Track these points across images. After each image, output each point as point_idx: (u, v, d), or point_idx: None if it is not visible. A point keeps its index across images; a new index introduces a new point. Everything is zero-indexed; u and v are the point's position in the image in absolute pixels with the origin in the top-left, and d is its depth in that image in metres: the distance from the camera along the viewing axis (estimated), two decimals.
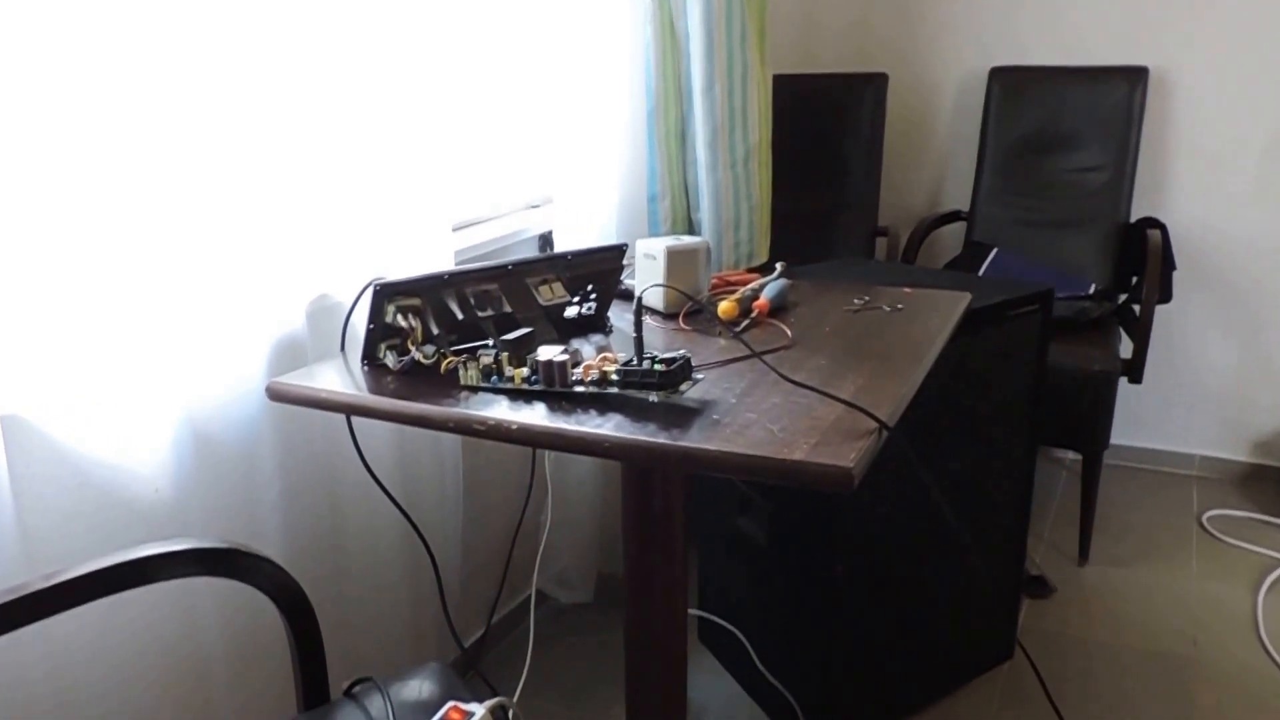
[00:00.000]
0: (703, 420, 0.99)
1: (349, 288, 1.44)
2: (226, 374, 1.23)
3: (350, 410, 1.13)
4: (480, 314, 1.20)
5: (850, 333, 1.28)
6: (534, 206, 2.08)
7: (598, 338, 1.30)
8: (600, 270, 1.31)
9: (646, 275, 1.39)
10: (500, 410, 1.05)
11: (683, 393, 1.02)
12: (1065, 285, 2.34)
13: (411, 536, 1.55)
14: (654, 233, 2.07)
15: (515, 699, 1.82)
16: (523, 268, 1.24)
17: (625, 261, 1.35)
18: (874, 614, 1.67)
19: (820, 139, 2.56)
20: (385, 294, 1.16)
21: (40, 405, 1.05)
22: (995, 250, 2.49)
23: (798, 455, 0.90)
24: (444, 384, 1.13)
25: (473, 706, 0.94)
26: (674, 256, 1.37)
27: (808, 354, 1.20)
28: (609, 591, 2.15)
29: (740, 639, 1.80)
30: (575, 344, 1.28)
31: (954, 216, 2.62)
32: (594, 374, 1.06)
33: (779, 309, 1.39)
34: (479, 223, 1.91)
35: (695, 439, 0.95)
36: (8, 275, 1.01)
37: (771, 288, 1.41)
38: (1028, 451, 1.82)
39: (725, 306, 1.35)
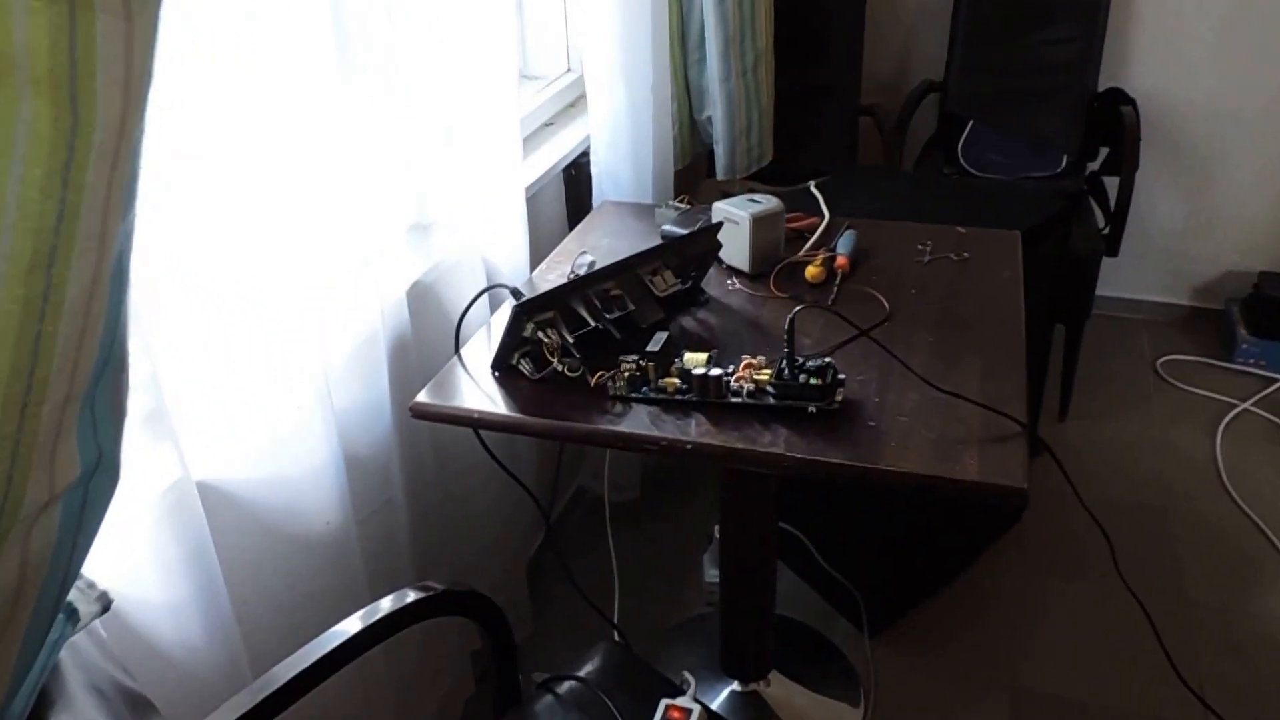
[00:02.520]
0: (862, 430, 1.11)
1: (440, 265, 1.47)
2: (359, 387, 1.27)
3: (511, 429, 1.20)
4: (607, 315, 1.26)
5: (935, 292, 1.40)
6: (548, 124, 2.07)
7: (698, 311, 1.38)
8: (701, 252, 1.37)
9: (729, 238, 1.46)
10: (658, 422, 1.15)
11: (838, 400, 1.13)
12: (1038, 163, 2.48)
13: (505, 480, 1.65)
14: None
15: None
16: (637, 262, 1.29)
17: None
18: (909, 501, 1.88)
19: (799, 17, 2.56)
20: (524, 312, 1.20)
21: (223, 465, 1.09)
22: (971, 124, 2.59)
23: (971, 474, 1.03)
24: (587, 391, 1.20)
25: (687, 702, 1.09)
26: (758, 223, 1.44)
27: (911, 327, 1.31)
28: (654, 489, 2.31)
29: (801, 539, 2.00)
30: (678, 319, 1.36)
31: (928, 87, 2.69)
32: (747, 384, 1.15)
33: (855, 263, 1.49)
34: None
35: (868, 456, 1.07)
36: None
37: (845, 242, 1.50)
38: (1044, 329, 2.00)
39: (812, 271, 1.44)
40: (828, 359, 1.15)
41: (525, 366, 1.24)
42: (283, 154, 1.06)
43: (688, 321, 1.36)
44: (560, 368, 1.21)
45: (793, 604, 2.00)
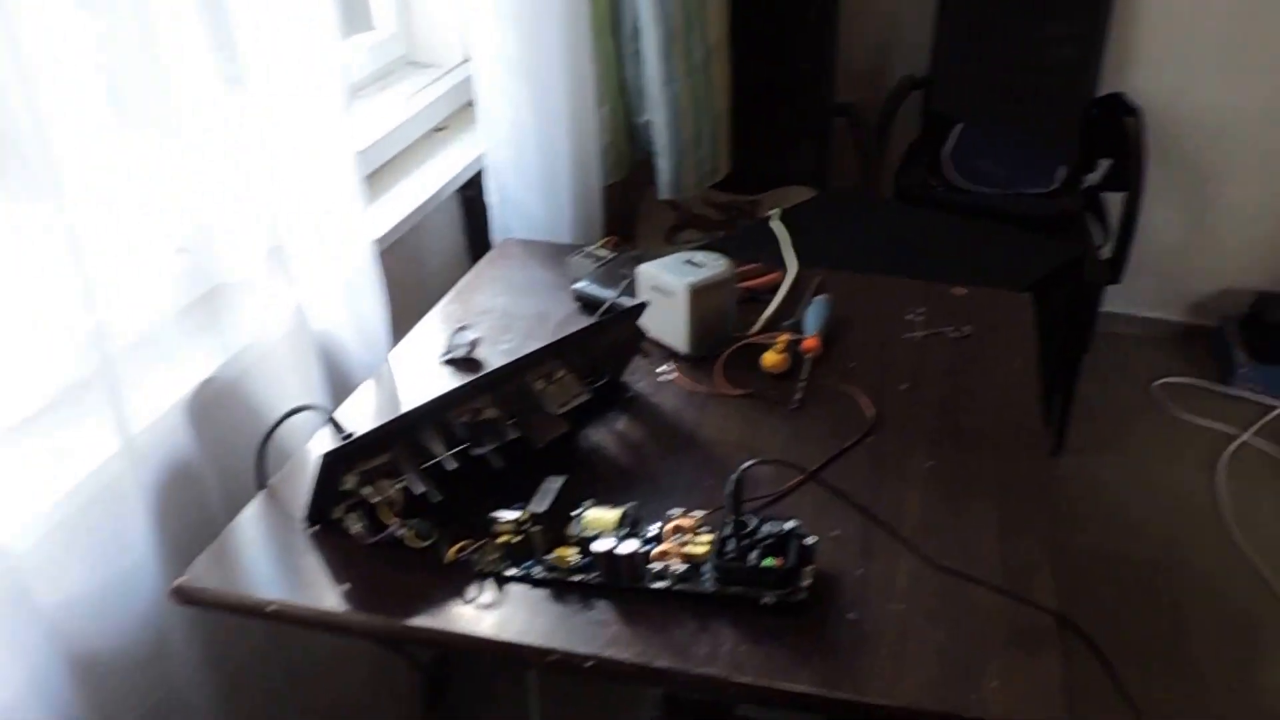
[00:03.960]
0: (839, 630, 0.77)
1: (247, 354, 1.08)
2: (91, 560, 0.90)
3: (322, 626, 0.84)
4: (477, 449, 0.91)
5: (931, 388, 1.07)
6: (438, 129, 1.69)
7: (618, 418, 1.04)
8: (619, 344, 1.02)
9: (661, 313, 1.11)
10: (546, 617, 0.80)
11: (804, 587, 0.79)
12: (1033, 176, 2.17)
13: None
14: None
15: None
16: (520, 367, 0.94)
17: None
18: None
19: (761, 1, 2.21)
20: (340, 463, 0.84)
21: None
22: (959, 126, 2.26)
23: (994, 711, 0.70)
24: (445, 565, 0.85)
25: None
26: (699, 295, 1.09)
27: (901, 445, 0.98)
28: None
29: None
30: (589, 432, 1.01)
31: (911, 84, 2.35)
32: (675, 564, 0.81)
33: (829, 340, 1.15)
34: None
35: (850, 676, 0.73)
36: None
37: (815, 315, 1.16)
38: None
39: (772, 359, 1.09)
40: (790, 523, 0.81)
41: (354, 525, 0.88)
42: None
43: (602, 436, 1.01)
44: (402, 533, 0.86)
45: None
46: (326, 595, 0.84)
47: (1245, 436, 2.30)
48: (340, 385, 1.18)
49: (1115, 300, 2.59)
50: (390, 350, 1.20)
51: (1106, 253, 2.13)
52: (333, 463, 0.84)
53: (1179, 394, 2.49)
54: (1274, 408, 2.39)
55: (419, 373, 1.13)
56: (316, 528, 0.90)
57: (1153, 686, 1.68)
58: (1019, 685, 0.73)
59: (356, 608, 0.83)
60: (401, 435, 0.88)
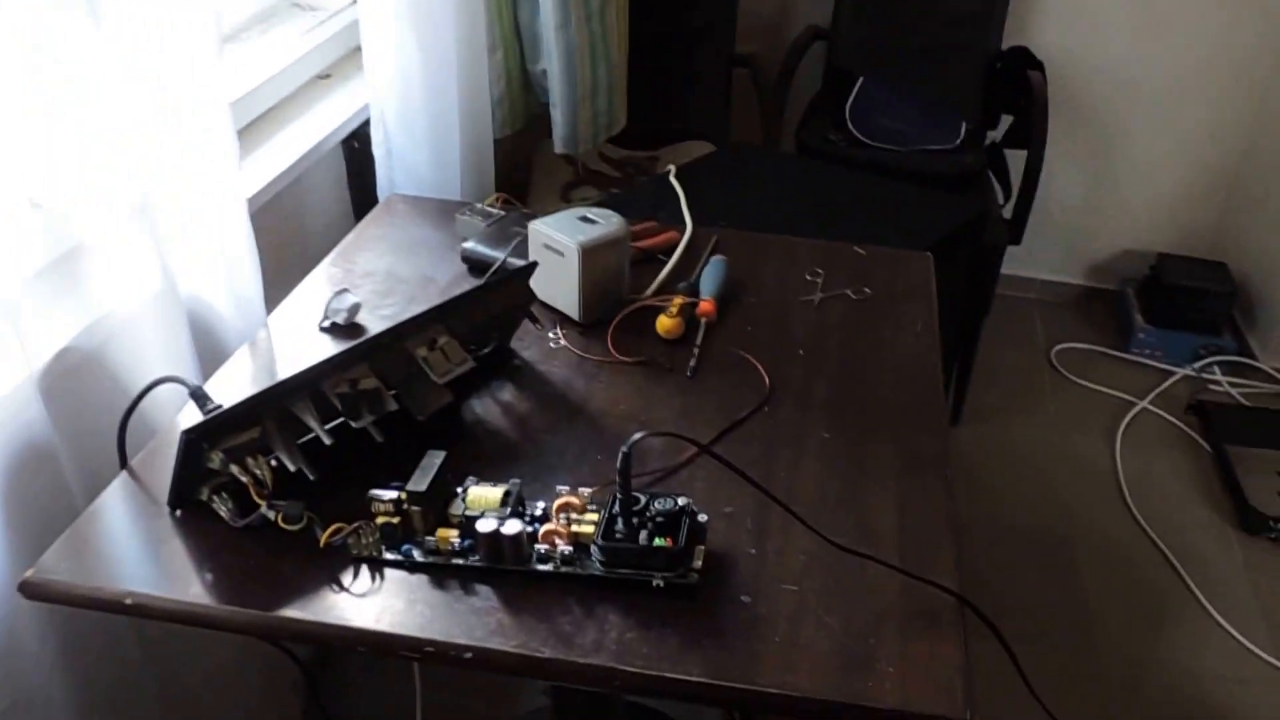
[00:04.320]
0: (731, 613, 0.75)
1: (108, 321, 1.00)
2: None
3: (185, 620, 0.78)
4: (355, 422, 0.85)
5: (829, 354, 1.04)
6: (323, 76, 1.59)
7: (504, 387, 0.99)
8: (508, 308, 0.97)
9: (552, 274, 1.06)
10: (426, 603, 0.76)
11: (696, 569, 0.76)
12: (934, 133, 2.16)
13: None
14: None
15: None
16: (401, 334, 0.88)
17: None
18: None
19: None
20: (203, 439, 0.78)
21: None
22: (861, 81, 2.23)
23: (890, 699, 0.68)
24: (319, 549, 0.80)
25: None
26: (590, 254, 1.04)
27: (799, 414, 0.95)
28: None
29: None
30: (475, 402, 0.96)
31: (814, 34, 2.31)
32: (562, 545, 0.77)
33: (725, 303, 1.11)
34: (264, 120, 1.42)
35: (741, 665, 0.70)
36: None
37: (712, 275, 1.13)
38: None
39: (666, 323, 1.05)
40: (682, 499, 0.78)
41: (221, 507, 0.82)
42: None
43: (487, 408, 0.96)
44: (272, 515, 0.80)
45: None
46: (191, 585, 0.78)
47: (1144, 404, 2.34)
48: (212, 355, 1.10)
49: (1014, 263, 2.61)
50: (266, 317, 1.13)
51: (1007, 213, 2.14)
52: (194, 439, 0.78)
53: (1078, 360, 2.52)
54: (1171, 374, 2.44)
55: (296, 341, 1.06)
56: (181, 511, 0.83)
57: (1049, 662, 1.70)
58: (917, 671, 0.70)
59: (222, 599, 0.77)
60: (271, 408, 0.82)
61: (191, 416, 0.89)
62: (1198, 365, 2.44)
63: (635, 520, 0.76)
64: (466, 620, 0.74)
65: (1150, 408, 2.33)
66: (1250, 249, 2.50)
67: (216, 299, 1.12)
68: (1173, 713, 1.63)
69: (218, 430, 0.79)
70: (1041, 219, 2.60)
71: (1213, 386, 2.40)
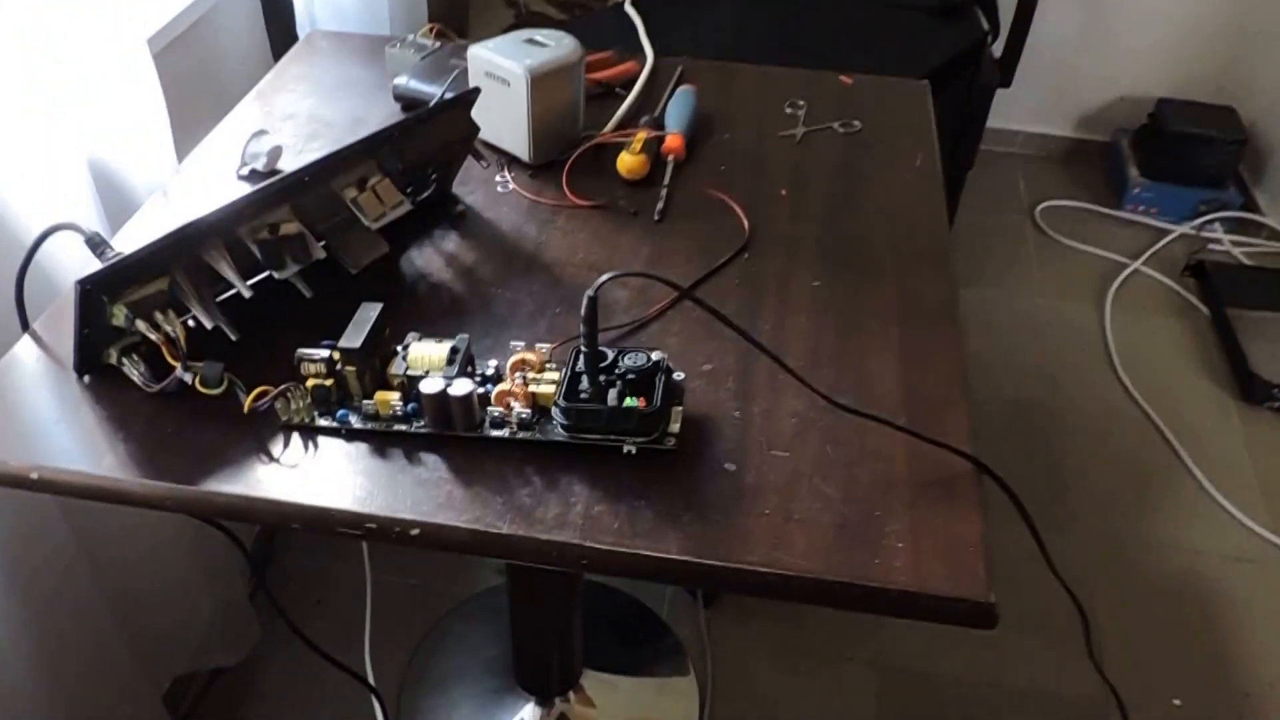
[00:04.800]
0: (714, 481, 0.67)
1: None
2: None
3: (97, 496, 0.70)
4: (278, 272, 0.75)
5: (815, 192, 0.95)
6: None
7: (446, 235, 0.89)
8: (448, 142, 0.86)
9: (497, 106, 0.94)
10: (365, 472, 0.68)
11: (673, 433, 0.68)
12: None
13: None
14: None
15: None
16: (324, 170, 0.77)
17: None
18: None
19: None
20: (101, 292, 0.68)
21: None
22: None
23: (901, 579, 0.61)
24: (243, 414, 0.71)
25: None
26: (540, 82, 0.93)
27: (783, 261, 0.87)
28: None
29: None
30: (413, 253, 0.87)
31: None
32: (518, 408, 0.69)
33: (694, 141, 1.01)
34: None
35: (726, 541, 0.63)
36: None
37: (679, 109, 1.02)
38: None
39: (629, 162, 0.95)
40: (655, 354, 0.69)
41: (134, 369, 0.73)
42: None
43: (428, 259, 0.87)
44: (189, 378, 0.71)
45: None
46: (103, 458, 0.70)
47: (1136, 265, 2.26)
48: (119, 211, 1.00)
49: (999, 113, 2.49)
50: (178, 165, 1.01)
51: (996, 52, 2.02)
52: (91, 291, 0.68)
53: (1065, 219, 2.41)
54: (1167, 232, 2.34)
55: (212, 190, 0.95)
56: (89, 377, 0.74)
57: (1028, 537, 1.65)
58: (931, 547, 0.63)
59: (137, 472, 0.69)
60: (181, 257, 0.72)
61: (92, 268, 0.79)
62: (1197, 223, 2.35)
63: (602, 379, 0.68)
64: (412, 493, 0.66)
65: (1144, 269, 2.25)
66: (1261, 92, 2.37)
67: (120, 149, 1.00)
68: (1166, 593, 1.60)
69: (118, 280, 0.69)
70: (1029, 62, 2.46)
71: (1213, 246, 2.31)
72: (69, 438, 0.72)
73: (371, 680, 1.35)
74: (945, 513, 0.65)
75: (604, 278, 0.64)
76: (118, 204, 1.02)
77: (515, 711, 1.35)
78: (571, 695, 1.36)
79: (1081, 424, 1.89)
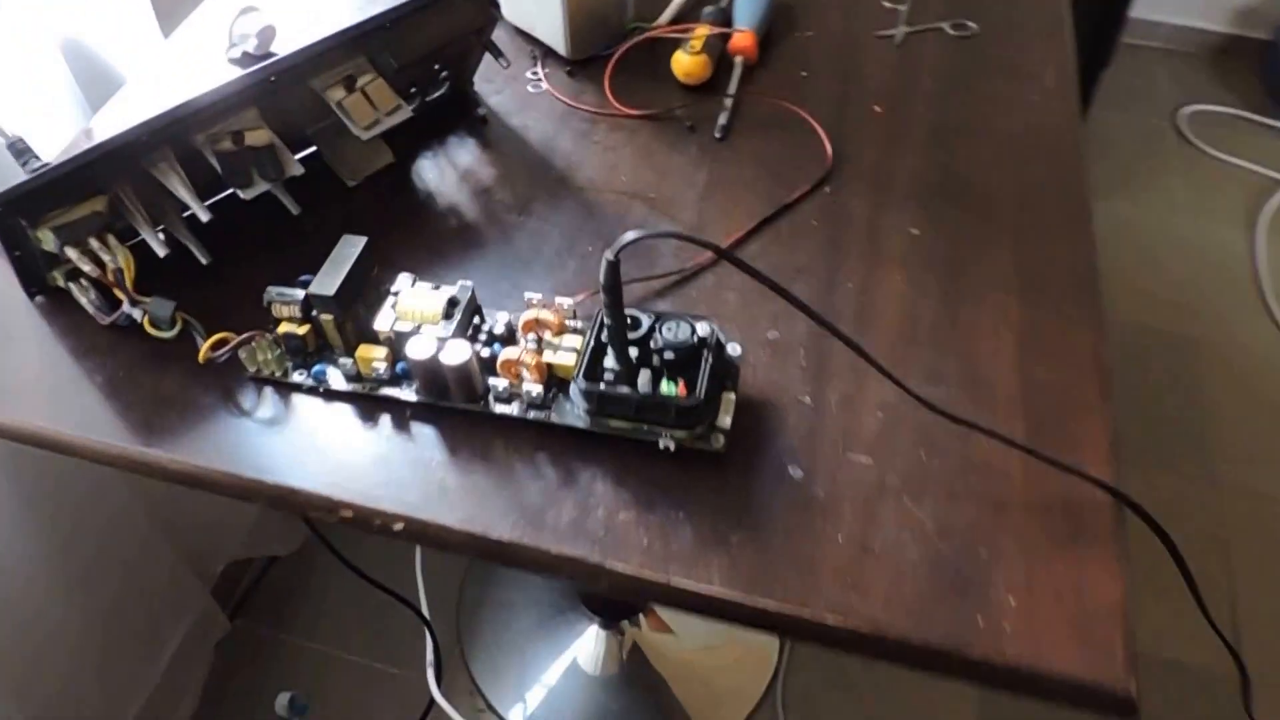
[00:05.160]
0: (776, 493, 0.53)
1: None
2: None
3: (40, 445, 0.59)
4: (243, 190, 0.62)
5: (918, 114, 0.78)
6: None
7: (462, 146, 0.74)
8: (459, 28, 0.70)
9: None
10: (341, 446, 0.56)
11: (722, 429, 0.55)
12: None
13: None
14: None
15: None
16: (298, 67, 0.63)
17: None
18: None
19: None
20: (17, 214, 0.55)
21: None
22: None
23: (1011, 649, 0.47)
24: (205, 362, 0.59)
25: None
26: None
27: (873, 197, 0.71)
28: None
29: None
30: (426, 162, 0.73)
31: None
32: (529, 381, 0.55)
33: (768, 42, 0.84)
34: None
35: (789, 578, 0.50)
36: None
37: (749, 1, 0.84)
38: None
39: (686, 63, 0.79)
40: (703, 326, 0.55)
41: (83, 294, 0.61)
42: None
43: (441, 172, 0.73)
44: (137, 315, 0.59)
45: None
46: (40, 407, 0.59)
47: None
48: (102, 99, 0.86)
49: (1139, 3, 2.24)
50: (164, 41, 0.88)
51: None
52: (11, 208, 0.56)
53: (1213, 126, 2.15)
54: None
55: (198, 77, 0.82)
56: (41, 297, 0.64)
57: (1164, 489, 1.50)
58: (1051, 606, 0.48)
59: (76, 425, 0.58)
60: (122, 173, 0.59)
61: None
62: None
63: (635, 352, 0.54)
64: (399, 475, 0.54)
65: None
66: None
67: (98, 34, 0.87)
68: None
69: (39, 200, 0.57)
70: None
71: None
72: (8, 370, 0.61)
73: (422, 593, 1.28)
74: (1074, 559, 0.50)
75: (625, 239, 0.49)
76: (99, 96, 0.89)
77: (581, 631, 1.29)
78: (642, 619, 1.27)
79: (1223, 363, 1.70)
